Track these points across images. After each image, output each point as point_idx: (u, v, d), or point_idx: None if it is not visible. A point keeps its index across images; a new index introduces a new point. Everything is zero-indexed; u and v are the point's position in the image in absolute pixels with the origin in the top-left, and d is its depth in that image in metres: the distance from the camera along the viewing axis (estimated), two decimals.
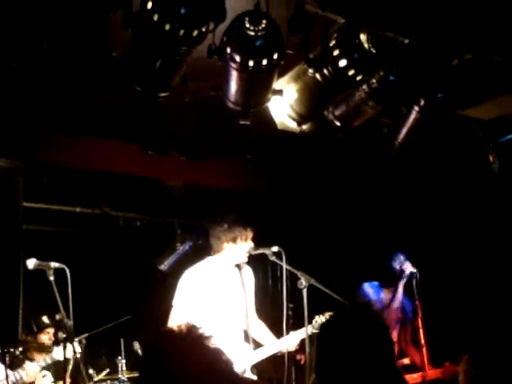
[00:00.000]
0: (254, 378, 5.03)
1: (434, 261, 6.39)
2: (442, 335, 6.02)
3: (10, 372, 5.13)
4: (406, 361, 5.92)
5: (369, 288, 6.24)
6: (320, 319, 5.05)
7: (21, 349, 5.36)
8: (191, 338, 1.69)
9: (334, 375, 2.08)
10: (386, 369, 2.11)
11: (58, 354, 5.46)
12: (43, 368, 5.95)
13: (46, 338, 6.06)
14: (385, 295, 6.22)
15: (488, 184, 5.66)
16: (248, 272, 5.32)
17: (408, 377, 5.61)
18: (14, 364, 5.41)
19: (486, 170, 5.03)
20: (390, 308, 6.09)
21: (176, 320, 4.91)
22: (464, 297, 6.29)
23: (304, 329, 4.88)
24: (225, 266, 5.15)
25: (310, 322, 4.92)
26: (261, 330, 5.31)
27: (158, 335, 1.73)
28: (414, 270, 5.81)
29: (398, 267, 6.08)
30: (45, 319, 6.07)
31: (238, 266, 5.24)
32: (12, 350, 5.13)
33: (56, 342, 5.75)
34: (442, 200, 6.45)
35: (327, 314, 5.06)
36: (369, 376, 2.05)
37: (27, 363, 5.40)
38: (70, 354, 4.77)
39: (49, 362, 5.54)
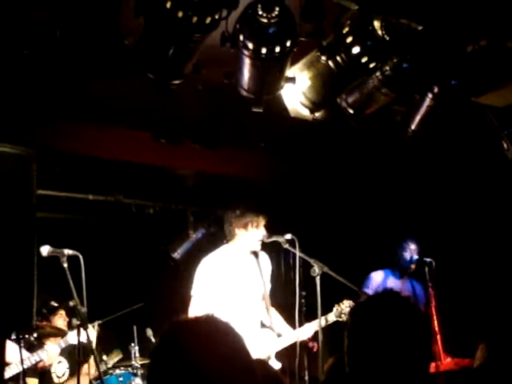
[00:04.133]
0: (279, 364, 5.06)
1: (448, 249, 6.37)
2: (455, 324, 6.01)
3: (28, 354, 5.17)
4: None
5: (375, 276, 6.22)
6: (340, 307, 5.05)
7: (35, 335, 5.40)
8: (211, 327, 1.68)
9: (365, 362, 1.98)
10: (421, 364, 2.00)
11: (72, 338, 5.49)
12: (59, 354, 6.01)
13: (60, 320, 6.10)
14: (395, 283, 6.20)
15: (502, 171, 5.62)
16: (265, 258, 5.33)
17: None
18: (34, 346, 5.45)
19: (500, 157, 4.99)
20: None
21: (196, 309, 4.93)
22: (478, 285, 6.27)
23: (321, 318, 4.91)
24: (240, 253, 5.16)
25: (329, 311, 4.92)
26: (274, 318, 5.32)
27: (175, 324, 1.71)
28: (428, 259, 5.79)
29: (407, 254, 6.06)
30: (53, 303, 6.12)
31: (255, 253, 5.24)
32: (27, 336, 5.16)
33: (70, 326, 5.80)
34: (456, 188, 6.42)
35: (346, 302, 5.06)
36: (403, 367, 1.94)
37: (48, 344, 5.44)
38: (84, 339, 4.80)
39: (63, 346, 5.57)
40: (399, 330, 1.98)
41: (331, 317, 4.95)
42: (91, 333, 5.12)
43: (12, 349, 5.00)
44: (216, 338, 1.62)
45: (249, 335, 4.72)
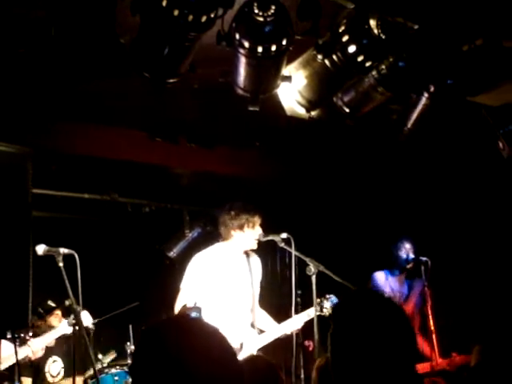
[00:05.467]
0: None
1: (444, 249, 6.37)
2: (450, 323, 6.02)
3: (12, 351, 5.17)
4: None
5: (379, 276, 6.21)
6: (324, 301, 5.04)
7: (31, 333, 5.39)
8: (194, 325, 1.69)
9: (350, 362, 1.95)
10: (405, 361, 1.96)
11: (64, 327, 5.49)
12: (54, 354, 6.00)
13: (56, 320, 6.11)
14: (394, 283, 6.20)
15: (498, 170, 5.63)
16: (256, 261, 5.33)
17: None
18: (20, 342, 5.43)
19: (496, 156, 5.00)
20: (410, 297, 6.09)
21: (182, 302, 4.94)
22: (474, 286, 6.28)
23: (307, 311, 4.91)
24: (234, 252, 5.16)
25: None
26: (262, 317, 5.31)
27: (160, 322, 1.73)
28: (424, 258, 5.79)
29: (403, 254, 6.06)
30: (50, 303, 6.12)
31: (247, 254, 5.24)
32: (22, 334, 5.15)
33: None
34: (451, 187, 6.43)
35: (329, 296, 5.05)
36: (387, 365, 1.91)
37: (31, 340, 5.42)
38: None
39: (55, 336, 5.57)
40: (382, 329, 1.96)
41: (311, 311, 4.92)
42: (86, 317, 5.13)
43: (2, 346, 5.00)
44: (194, 334, 1.64)
45: (233, 332, 4.71)
